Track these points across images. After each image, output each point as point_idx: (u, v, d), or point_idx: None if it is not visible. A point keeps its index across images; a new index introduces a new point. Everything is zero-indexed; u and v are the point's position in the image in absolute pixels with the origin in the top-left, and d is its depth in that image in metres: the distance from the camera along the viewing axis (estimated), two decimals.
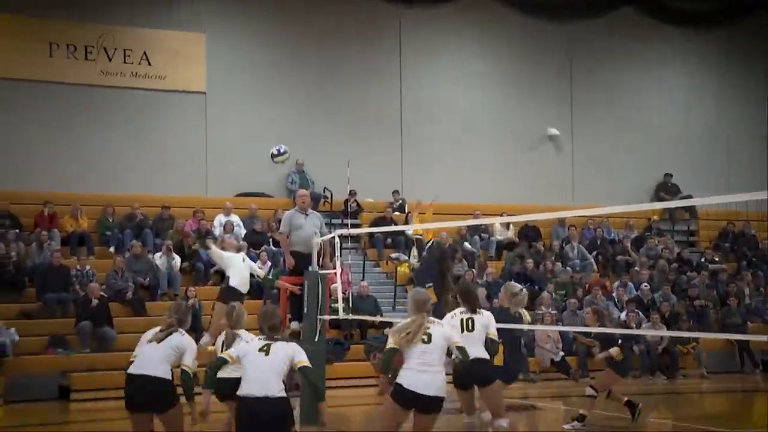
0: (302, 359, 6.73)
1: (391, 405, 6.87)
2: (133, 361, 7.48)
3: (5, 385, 14.76)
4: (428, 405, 6.84)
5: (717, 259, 22.74)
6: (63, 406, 14.62)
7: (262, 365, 6.61)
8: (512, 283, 9.13)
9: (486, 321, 8.34)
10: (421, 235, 11.31)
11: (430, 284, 10.85)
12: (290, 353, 6.73)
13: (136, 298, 17.24)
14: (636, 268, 21.44)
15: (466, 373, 7.90)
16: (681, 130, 25.22)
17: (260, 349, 6.72)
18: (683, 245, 23.62)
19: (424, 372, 6.87)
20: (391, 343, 7.04)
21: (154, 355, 7.35)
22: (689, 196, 21.97)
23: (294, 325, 12.06)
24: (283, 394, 6.57)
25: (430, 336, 7.01)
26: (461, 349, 7.07)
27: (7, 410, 14.18)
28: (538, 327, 17.22)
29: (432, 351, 6.94)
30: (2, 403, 14.52)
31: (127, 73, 20.66)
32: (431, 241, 11.38)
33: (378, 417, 7.08)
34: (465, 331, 8.20)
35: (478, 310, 8.46)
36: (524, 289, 9.93)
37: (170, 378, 7.30)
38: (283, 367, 6.66)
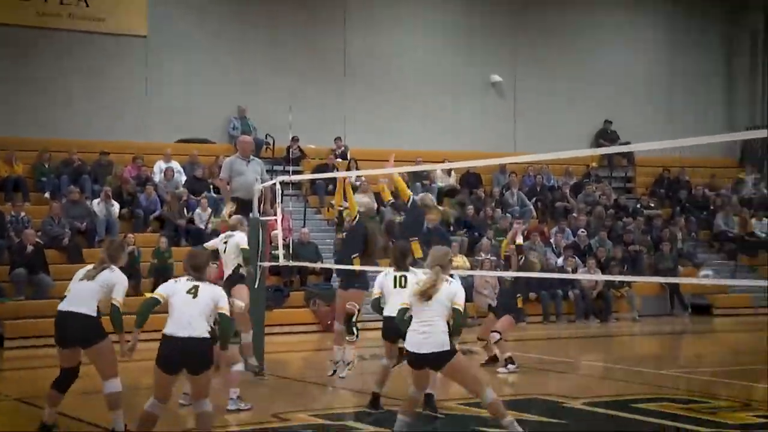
0: (223, 306, 6.81)
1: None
2: (64, 297, 7.52)
3: None
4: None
5: (652, 205, 23.08)
6: None
7: (189, 307, 6.67)
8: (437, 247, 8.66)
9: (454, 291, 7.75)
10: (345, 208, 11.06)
11: (356, 255, 10.75)
12: (215, 298, 6.81)
13: (72, 245, 16.92)
14: (574, 214, 21.66)
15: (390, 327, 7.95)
16: (622, 77, 25.35)
17: (188, 291, 6.77)
18: (620, 191, 23.91)
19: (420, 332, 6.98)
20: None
21: (83, 291, 7.39)
22: (627, 143, 22.20)
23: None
24: (206, 335, 6.64)
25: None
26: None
27: None
28: (475, 272, 17.35)
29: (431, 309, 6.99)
30: None
31: (64, 15, 20.03)
32: (410, 199, 11.23)
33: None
34: (398, 287, 8.14)
35: (410, 269, 8.36)
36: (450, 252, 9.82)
37: (95, 314, 7.29)
38: (208, 311, 6.73)
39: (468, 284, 18.09)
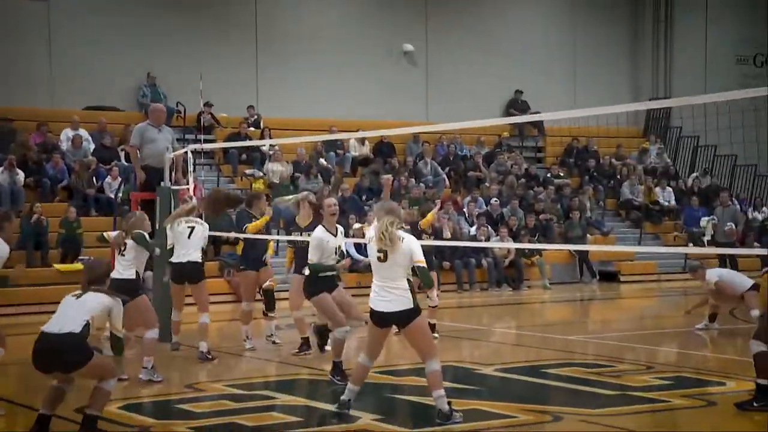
0: (116, 324, 6.67)
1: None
2: None
3: None
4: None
5: (562, 174, 23.52)
6: None
7: (70, 307, 6.53)
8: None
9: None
10: None
11: None
12: (105, 306, 6.60)
13: None
14: (486, 183, 21.92)
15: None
16: (530, 47, 25.64)
17: (74, 294, 6.65)
18: (531, 161, 24.29)
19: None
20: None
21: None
22: (537, 113, 22.52)
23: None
24: (78, 330, 6.39)
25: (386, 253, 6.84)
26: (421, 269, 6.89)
27: None
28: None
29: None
30: None
31: None
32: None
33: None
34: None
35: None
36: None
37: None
38: (89, 314, 6.48)
39: None
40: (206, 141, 18.71)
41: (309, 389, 8.41)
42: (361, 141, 21.92)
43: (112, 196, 17.63)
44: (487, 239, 19.14)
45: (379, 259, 6.88)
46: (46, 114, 19.43)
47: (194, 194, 11.46)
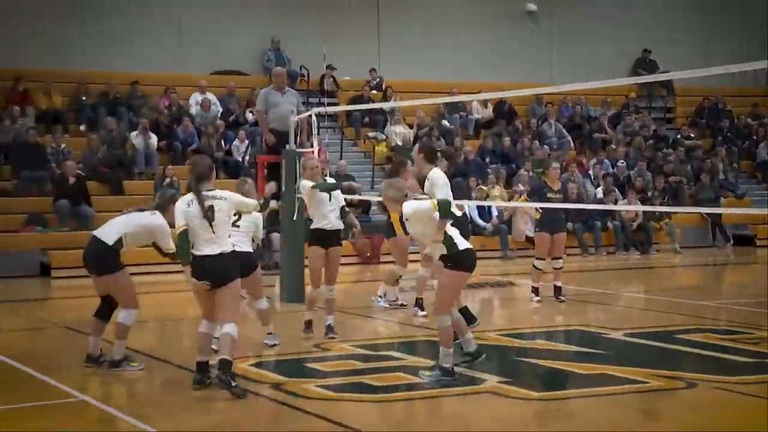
0: (248, 203, 7.12)
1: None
2: None
3: None
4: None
5: (692, 135, 22.72)
6: (45, 282, 14.64)
7: (212, 228, 6.74)
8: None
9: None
10: None
11: None
12: (235, 204, 6.94)
13: (113, 177, 17.05)
14: (612, 145, 21.41)
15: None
16: (660, 4, 24.76)
17: (204, 216, 6.72)
18: (660, 122, 23.54)
19: None
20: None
21: (112, 222, 7.54)
22: (666, 72, 21.76)
23: (272, 203, 11.97)
24: (231, 248, 6.82)
25: None
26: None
27: None
28: (511, 204, 17.26)
29: None
30: None
31: None
32: None
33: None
34: None
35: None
36: None
37: (111, 245, 7.35)
38: (229, 220, 6.90)
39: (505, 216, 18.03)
40: (329, 104, 18.89)
41: (436, 350, 8.43)
42: (484, 103, 21.70)
43: (240, 158, 18.03)
44: (614, 202, 18.71)
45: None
46: (174, 79, 19.98)
47: (319, 157, 11.57)
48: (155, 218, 7.42)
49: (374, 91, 21.08)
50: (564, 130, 21.66)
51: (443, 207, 6.91)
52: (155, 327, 9.78)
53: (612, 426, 5.90)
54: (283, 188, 11.35)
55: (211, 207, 6.77)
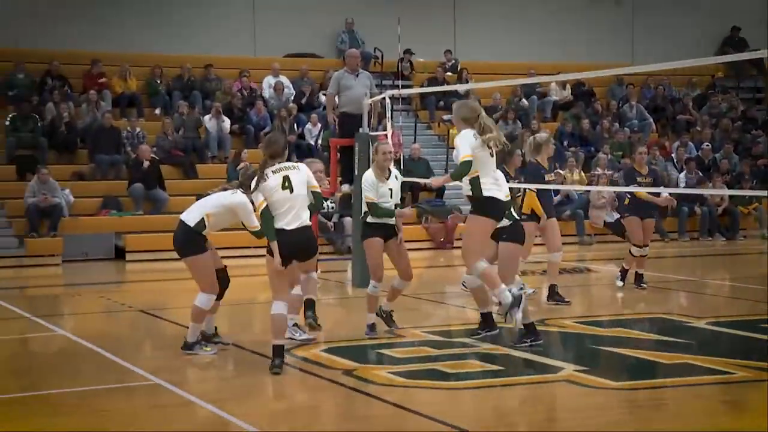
0: (315, 183, 7.15)
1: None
2: None
3: (63, 244, 15.08)
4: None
5: None
6: (119, 266, 14.99)
7: (289, 201, 6.92)
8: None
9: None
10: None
11: None
12: (305, 180, 7.05)
13: (186, 161, 17.33)
14: (697, 127, 20.93)
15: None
16: None
17: (283, 187, 6.90)
18: (749, 103, 22.89)
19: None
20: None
21: (198, 203, 7.61)
22: (757, 50, 21.12)
23: (345, 187, 12.03)
24: (309, 222, 7.00)
25: None
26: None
27: (67, 269, 14.60)
28: (591, 188, 17.03)
29: None
30: (61, 262, 14.92)
31: None
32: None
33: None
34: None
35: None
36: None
37: (192, 226, 7.39)
38: (306, 198, 7.03)
39: (583, 201, 17.80)
40: (403, 87, 18.85)
41: (508, 338, 8.36)
42: (562, 84, 21.40)
43: (312, 142, 18.13)
44: (698, 186, 18.28)
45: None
46: (247, 62, 20.18)
47: (392, 140, 11.55)
48: (237, 197, 7.39)
49: (449, 73, 20.97)
50: (645, 112, 21.26)
51: (456, 171, 7.12)
52: (225, 311, 9.91)
53: (696, 418, 5.77)
54: (356, 172, 11.36)
55: (287, 177, 6.91)
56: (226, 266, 7.72)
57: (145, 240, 15.37)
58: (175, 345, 7.76)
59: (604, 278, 12.81)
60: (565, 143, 19.75)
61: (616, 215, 17.70)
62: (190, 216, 7.44)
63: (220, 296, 7.60)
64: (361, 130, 11.63)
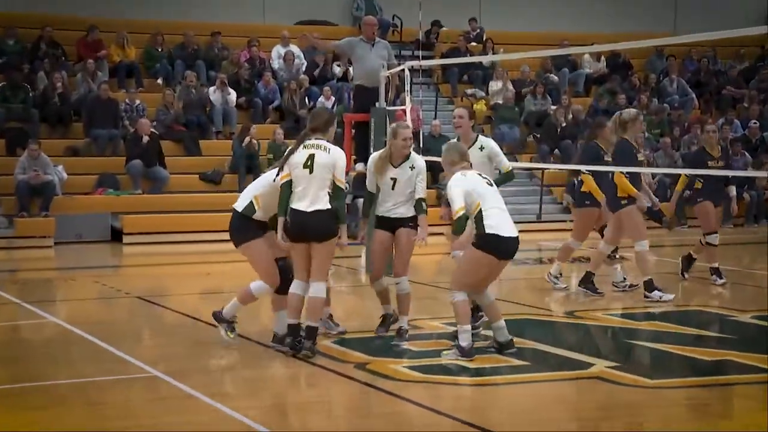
0: (341, 177, 7.07)
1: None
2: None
3: (55, 225, 15.15)
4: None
5: None
6: (116, 248, 15.06)
7: (308, 181, 7.00)
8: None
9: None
10: None
11: None
12: (331, 165, 7.05)
13: (188, 136, 17.36)
14: (744, 103, 20.79)
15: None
16: None
17: (304, 165, 7.02)
18: None
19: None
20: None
21: (248, 187, 7.65)
22: None
23: (359, 166, 12.00)
24: (328, 206, 7.02)
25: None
26: None
27: (60, 251, 14.68)
28: (628, 169, 16.89)
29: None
30: (53, 244, 14.98)
31: None
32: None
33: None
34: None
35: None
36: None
37: (240, 211, 7.36)
38: (327, 182, 7.05)
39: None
40: (424, 58, 18.79)
41: (538, 332, 8.36)
42: (596, 56, 21.28)
43: None
44: (745, 167, 18.18)
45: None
46: (256, 30, 20.17)
47: (411, 116, 11.54)
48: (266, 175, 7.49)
49: (473, 43, 20.90)
50: (687, 87, 21.14)
51: (455, 227, 7.05)
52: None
53: (738, 419, 5.76)
54: (371, 150, 11.35)
55: (312, 156, 6.99)
56: (288, 257, 7.46)
57: (143, 221, 15.44)
58: (176, 334, 7.81)
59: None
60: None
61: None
62: (239, 202, 7.45)
63: (283, 290, 7.34)
64: (377, 104, 11.60)
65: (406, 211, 7.69)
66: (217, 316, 7.55)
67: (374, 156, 7.88)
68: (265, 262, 7.35)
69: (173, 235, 14.96)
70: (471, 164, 7.29)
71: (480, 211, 7.00)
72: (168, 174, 16.36)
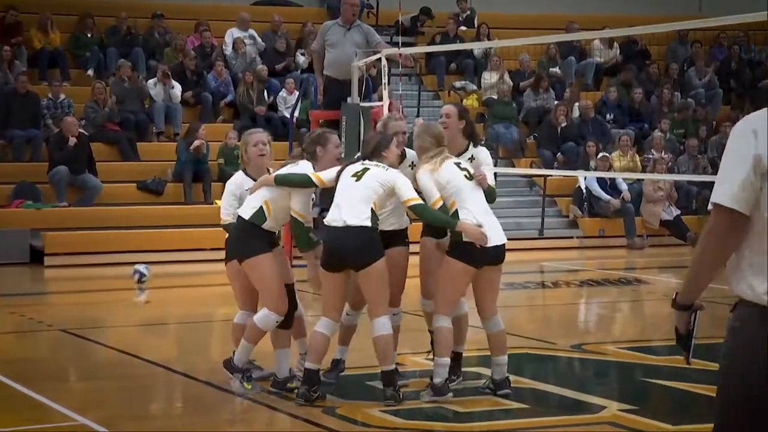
0: (409, 195, 6.90)
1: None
2: None
3: None
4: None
5: None
6: (36, 272, 14.98)
7: (350, 191, 6.93)
8: None
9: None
10: None
11: None
12: (388, 182, 6.93)
13: (124, 138, 17.33)
14: None
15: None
16: None
17: (353, 174, 6.97)
18: None
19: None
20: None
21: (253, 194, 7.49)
22: None
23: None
24: (368, 223, 6.85)
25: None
26: None
27: None
28: (645, 176, 17.04)
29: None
30: None
31: None
32: None
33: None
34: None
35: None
36: None
37: (248, 218, 7.17)
38: (373, 196, 6.90)
39: (635, 191, 17.83)
40: (405, 45, 18.85)
41: (539, 369, 8.39)
42: (608, 42, 21.43)
43: (287, 114, 18.13)
44: None
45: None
46: (206, 10, 20.19)
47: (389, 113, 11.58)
48: (301, 165, 7.21)
49: (463, 28, 21.00)
50: (716, 78, 21.30)
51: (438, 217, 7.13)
52: (177, 330, 9.93)
53: None
54: (342, 154, 11.37)
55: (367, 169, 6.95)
56: (294, 284, 7.43)
57: (69, 239, 15.37)
58: (109, 374, 7.77)
59: (659, 291, 12.84)
60: (611, 118, 19.78)
61: (676, 211, 17.78)
62: (244, 208, 7.20)
63: (286, 324, 7.26)
64: (349, 99, 11.65)
65: (398, 221, 7.44)
66: (229, 366, 7.31)
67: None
68: (275, 283, 7.11)
69: (105, 255, 14.87)
70: (447, 150, 7.12)
71: (456, 212, 6.97)
72: (99, 183, 16.30)
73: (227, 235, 7.46)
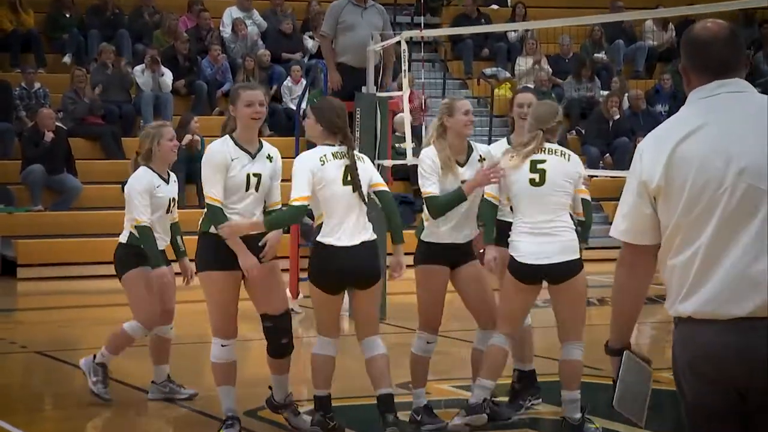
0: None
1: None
2: None
3: None
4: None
5: None
6: (8, 285, 15.04)
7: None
8: None
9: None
10: None
11: None
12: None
13: (107, 132, 17.38)
14: None
15: None
16: None
17: (344, 182, 7.07)
18: None
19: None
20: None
21: None
22: None
23: None
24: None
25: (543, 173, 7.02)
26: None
27: None
28: None
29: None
30: None
31: None
32: None
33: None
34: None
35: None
36: None
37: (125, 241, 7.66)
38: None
39: None
40: (428, 26, 18.88)
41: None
42: (662, 24, 21.41)
43: (293, 106, 18.16)
44: None
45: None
46: None
47: (411, 104, 11.60)
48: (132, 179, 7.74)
49: (495, 6, 21.01)
50: None
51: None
52: (136, 352, 9.93)
53: None
54: (356, 148, 11.40)
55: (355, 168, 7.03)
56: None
57: (45, 248, 15.42)
58: (88, 402, 7.79)
59: None
60: (664, 110, 19.75)
61: None
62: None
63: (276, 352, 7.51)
64: (364, 89, 11.67)
65: (472, 232, 7.32)
66: (273, 404, 7.42)
67: (429, 153, 7.22)
68: (138, 296, 7.87)
69: (86, 267, 14.89)
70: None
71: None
72: (80, 184, 16.35)
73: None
